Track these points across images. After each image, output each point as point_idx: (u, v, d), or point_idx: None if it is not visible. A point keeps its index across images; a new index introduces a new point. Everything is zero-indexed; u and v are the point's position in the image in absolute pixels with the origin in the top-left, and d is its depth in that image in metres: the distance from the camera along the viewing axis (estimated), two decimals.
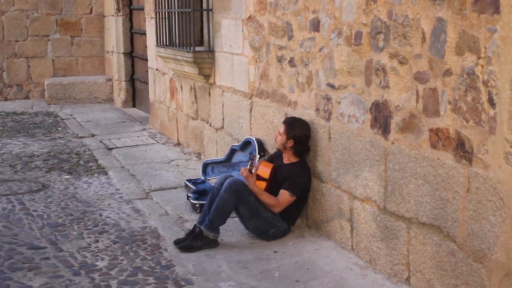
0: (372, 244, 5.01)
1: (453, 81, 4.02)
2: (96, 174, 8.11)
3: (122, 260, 5.36)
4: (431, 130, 4.26)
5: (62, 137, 10.36)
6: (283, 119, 6.07)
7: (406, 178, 4.55)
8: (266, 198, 5.63)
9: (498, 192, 3.72)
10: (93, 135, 10.45)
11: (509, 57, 3.57)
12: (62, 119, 12.02)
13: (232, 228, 5.95)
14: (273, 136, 6.37)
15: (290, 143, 5.73)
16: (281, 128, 5.79)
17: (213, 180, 7.17)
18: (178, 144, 9.57)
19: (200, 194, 6.81)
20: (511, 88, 3.57)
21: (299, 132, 5.70)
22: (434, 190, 4.27)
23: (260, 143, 6.73)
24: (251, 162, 5.70)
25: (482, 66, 3.77)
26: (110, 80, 13.88)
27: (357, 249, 5.24)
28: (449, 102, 4.07)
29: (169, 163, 8.58)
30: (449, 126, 4.09)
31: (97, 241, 5.77)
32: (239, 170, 6.75)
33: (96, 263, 5.28)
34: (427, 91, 4.27)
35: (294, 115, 5.96)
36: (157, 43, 9.35)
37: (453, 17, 3.97)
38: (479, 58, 3.79)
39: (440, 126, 4.17)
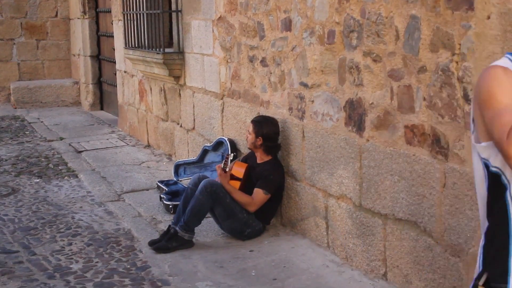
0: (348, 241, 5.04)
1: (427, 77, 4.06)
2: (66, 177, 8.04)
3: (97, 262, 5.32)
4: (406, 126, 4.30)
5: (30, 141, 10.25)
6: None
7: (382, 175, 4.58)
8: (240, 196, 5.64)
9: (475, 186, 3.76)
10: (61, 139, 10.35)
11: (483, 53, 3.62)
12: (29, 123, 11.88)
13: (207, 228, 5.94)
14: (246, 136, 6.38)
15: (259, 141, 5.76)
16: (250, 128, 5.83)
17: (185, 181, 7.15)
18: (148, 146, 9.53)
19: (173, 195, 6.79)
20: None
21: (266, 130, 5.73)
22: (410, 186, 4.31)
23: (233, 143, 6.74)
24: (225, 161, 5.70)
25: (457, 62, 3.81)
26: (77, 83, 13.77)
27: (333, 247, 5.26)
28: (424, 99, 4.11)
29: (140, 165, 8.54)
30: (424, 123, 4.13)
31: (70, 244, 5.73)
32: (212, 170, 6.78)
33: (71, 266, 5.24)
34: (401, 88, 4.31)
35: (266, 115, 5.98)
36: (126, 45, 9.30)
37: (427, 14, 4.02)
38: (453, 54, 3.83)
39: (415, 123, 4.21)
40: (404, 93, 4.29)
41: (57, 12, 14.07)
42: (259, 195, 5.65)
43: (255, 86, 6.25)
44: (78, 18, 13.20)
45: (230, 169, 5.76)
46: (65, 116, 12.60)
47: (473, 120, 2.37)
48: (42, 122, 11.95)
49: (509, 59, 2.32)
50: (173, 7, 8.12)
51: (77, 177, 8.09)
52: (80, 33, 13.14)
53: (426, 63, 4.07)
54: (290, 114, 5.70)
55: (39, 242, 5.77)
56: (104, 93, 13.08)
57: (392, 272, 4.58)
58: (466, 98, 3.77)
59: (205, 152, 7.19)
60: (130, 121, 10.36)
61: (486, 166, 2.34)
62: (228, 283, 4.87)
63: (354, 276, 4.88)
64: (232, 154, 5.89)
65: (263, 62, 6.06)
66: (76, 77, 13.95)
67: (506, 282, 2.29)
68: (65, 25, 14.15)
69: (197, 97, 7.73)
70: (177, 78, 8.20)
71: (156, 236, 5.80)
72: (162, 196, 6.75)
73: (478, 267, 2.41)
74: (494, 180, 2.33)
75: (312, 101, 5.35)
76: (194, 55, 7.70)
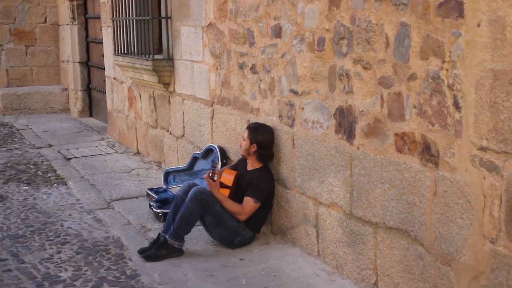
0: (339, 250, 5.02)
1: (418, 85, 4.05)
2: (55, 185, 8.00)
3: (86, 270, 5.28)
4: (396, 134, 4.29)
5: (18, 148, 10.20)
6: (245, 126, 6.07)
7: (372, 183, 4.56)
8: (231, 205, 5.61)
9: (465, 194, 3.75)
10: (50, 146, 10.30)
11: (473, 60, 3.61)
12: (18, 129, 11.83)
13: (197, 236, 5.91)
14: (236, 143, 6.36)
15: (253, 148, 5.73)
16: (245, 134, 5.81)
17: (175, 189, 7.13)
18: (138, 153, 9.50)
19: (162, 203, 6.76)
20: (476, 91, 3.61)
21: (261, 137, 5.71)
22: (400, 194, 4.29)
23: (222, 151, 6.71)
24: (213, 170, 5.68)
25: (447, 70, 3.80)
26: (66, 89, 13.72)
27: (324, 255, 5.24)
28: (414, 106, 4.10)
29: (129, 172, 8.50)
30: (414, 130, 4.12)
31: (59, 252, 5.69)
32: (202, 178, 6.75)
33: (60, 275, 5.20)
34: (391, 96, 4.30)
35: (256, 122, 5.96)
36: (115, 52, 9.27)
37: (417, 21, 4.01)
38: (443, 62, 3.83)
39: (406, 130, 4.20)
40: (394, 100, 4.28)
41: (46, 18, 14.02)
42: (249, 204, 5.63)
43: (245, 93, 6.24)
44: (67, 24, 13.16)
45: (219, 178, 5.73)
46: (54, 123, 12.54)
47: None
48: (31, 129, 11.90)
49: None
50: (163, 13, 8.09)
51: (66, 184, 8.04)
52: (69, 39, 13.11)
53: (416, 70, 4.06)
54: (280, 122, 5.68)
55: (28, 250, 5.72)
56: (93, 99, 13.05)
57: (383, 281, 4.57)
58: (456, 105, 3.76)
59: (195, 159, 7.17)
60: (120, 128, 10.32)
61: None
62: None
63: (345, 285, 4.86)
64: (219, 163, 5.86)
65: (253, 69, 6.04)
66: (65, 83, 13.90)
67: None
68: (54, 31, 14.10)
69: (186, 104, 7.70)
70: (166, 85, 8.17)
71: (145, 244, 5.76)
72: (151, 204, 6.71)
73: None
74: None
75: (302, 109, 5.34)
76: (184, 61, 7.68)
